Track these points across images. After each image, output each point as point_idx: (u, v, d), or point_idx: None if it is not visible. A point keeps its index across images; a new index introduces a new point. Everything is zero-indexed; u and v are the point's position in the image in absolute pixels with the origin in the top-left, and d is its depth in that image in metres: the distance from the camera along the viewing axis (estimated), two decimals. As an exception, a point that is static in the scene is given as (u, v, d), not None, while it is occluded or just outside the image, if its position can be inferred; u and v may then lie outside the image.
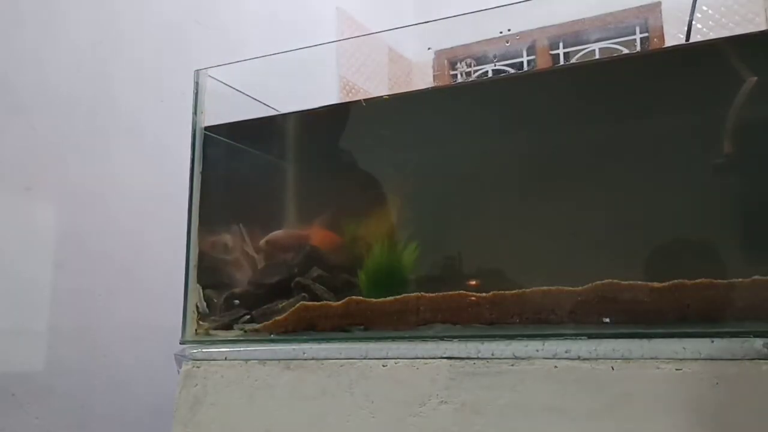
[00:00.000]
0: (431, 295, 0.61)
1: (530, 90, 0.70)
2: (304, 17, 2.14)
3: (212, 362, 0.65)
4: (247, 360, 0.63)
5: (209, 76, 0.79)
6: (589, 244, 0.63)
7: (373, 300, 0.63)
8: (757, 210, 0.57)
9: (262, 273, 0.74)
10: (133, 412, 1.05)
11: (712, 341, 0.48)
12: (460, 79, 2.00)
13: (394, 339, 0.59)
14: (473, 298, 0.60)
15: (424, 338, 0.59)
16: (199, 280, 0.73)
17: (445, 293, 0.61)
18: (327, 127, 0.80)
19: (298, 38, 1.75)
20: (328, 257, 0.71)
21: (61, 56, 1.02)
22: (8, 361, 0.90)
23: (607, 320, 0.56)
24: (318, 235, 0.59)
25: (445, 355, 0.55)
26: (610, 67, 0.73)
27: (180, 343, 0.70)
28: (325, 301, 0.65)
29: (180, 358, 0.67)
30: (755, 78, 0.57)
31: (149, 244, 1.11)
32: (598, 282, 0.57)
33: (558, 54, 2.00)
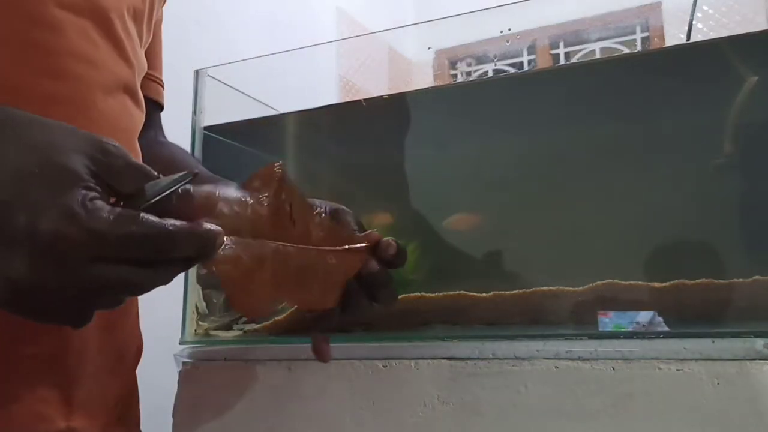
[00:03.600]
0: (432, 295, 0.61)
1: (530, 89, 0.70)
2: (304, 17, 2.14)
3: (212, 363, 0.65)
4: (246, 360, 0.63)
5: (209, 76, 0.79)
6: (590, 244, 0.62)
7: (374, 300, 0.63)
8: (757, 210, 0.57)
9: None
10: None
11: (713, 341, 0.48)
12: (460, 79, 2.00)
13: (394, 339, 0.59)
14: (473, 298, 0.60)
15: (424, 338, 0.59)
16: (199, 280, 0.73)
17: (445, 293, 0.61)
18: (326, 126, 0.80)
19: (298, 38, 1.75)
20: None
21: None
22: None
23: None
24: None
25: (445, 356, 0.55)
26: (611, 66, 0.73)
27: (180, 344, 0.69)
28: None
29: (180, 359, 0.67)
30: (756, 78, 0.57)
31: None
32: (599, 282, 0.57)
33: (558, 54, 2.00)
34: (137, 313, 0.57)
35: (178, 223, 0.34)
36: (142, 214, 0.33)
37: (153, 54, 0.62)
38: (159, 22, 0.63)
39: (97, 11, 0.49)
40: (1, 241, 0.31)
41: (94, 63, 0.48)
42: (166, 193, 0.36)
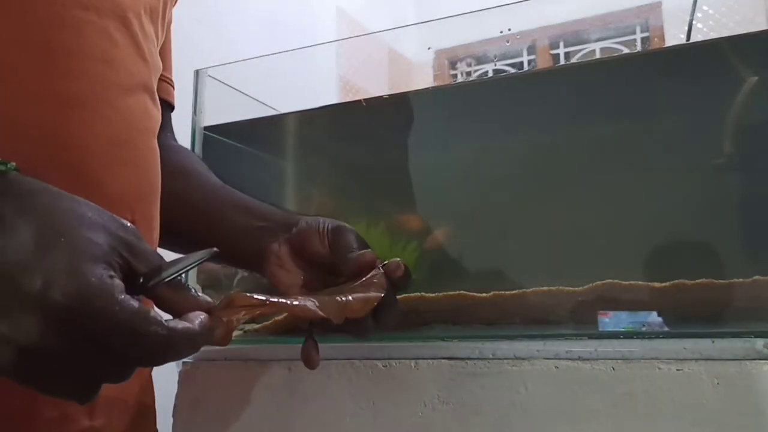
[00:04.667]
0: (432, 295, 0.61)
1: (530, 89, 0.70)
2: (305, 17, 2.14)
3: (212, 362, 0.65)
4: (246, 360, 0.63)
5: (209, 76, 0.79)
6: (590, 244, 0.62)
7: (373, 300, 0.63)
8: (757, 210, 0.57)
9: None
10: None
11: (713, 341, 0.48)
12: (460, 79, 2.00)
13: (394, 339, 0.59)
14: (474, 298, 0.60)
15: (424, 338, 0.59)
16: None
17: (445, 293, 0.61)
18: (326, 126, 0.80)
19: (298, 38, 1.75)
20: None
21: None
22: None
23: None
24: None
25: (445, 356, 0.55)
26: (611, 66, 0.73)
27: (180, 343, 0.69)
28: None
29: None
30: (756, 78, 0.57)
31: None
32: (599, 282, 0.57)
33: (558, 54, 2.00)
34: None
35: (180, 326, 0.33)
36: (151, 314, 0.32)
37: (164, 54, 0.62)
38: (169, 22, 0.63)
39: (116, 11, 0.49)
40: (14, 303, 0.31)
41: (112, 63, 0.48)
42: (183, 271, 0.36)
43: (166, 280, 0.35)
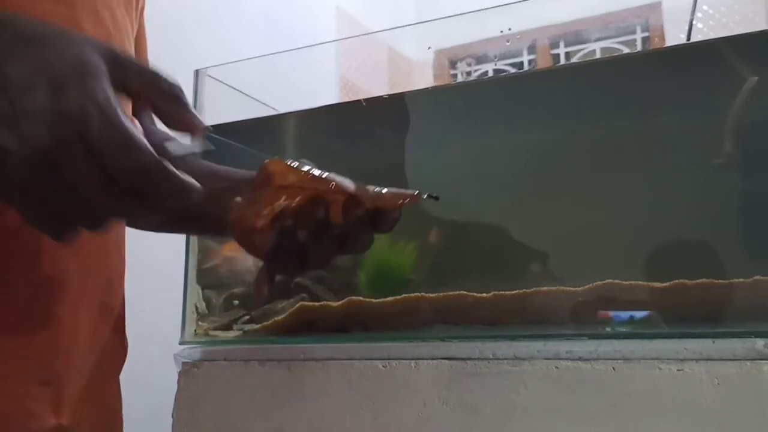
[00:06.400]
0: (432, 295, 0.61)
1: (530, 89, 0.70)
2: (304, 17, 2.14)
3: (212, 363, 0.65)
4: (246, 360, 0.63)
5: (209, 76, 0.79)
6: (590, 244, 0.62)
7: (374, 300, 0.63)
8: (757, 210, 0.57)
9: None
10: (132, 412, 1.05)
11: (713, 341, 0.48)
12: (460, 79, 2.00)
13: (394, 339, 0.59)
14: (474, 298, 0.60)
15: (424, 338, 0.59)
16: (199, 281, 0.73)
17: (445, 293, 0.61)
18: (326, 126, 0.80)
19: (297, 38, 1.74)
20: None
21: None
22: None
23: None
24: None
25: (445, 356, 0.55)
26: (611, 66, 0.73)
27: (179, 344, 0.69)
28: (325, 302, 0.65)
29: (180, 359, 0.67)
30: (756, 78, 0.57)
31: (149, 244, 1.11)
32: (599, 282, 0.57)
33: (558, 53, 2.00)
34: (122, 314, 0.58)
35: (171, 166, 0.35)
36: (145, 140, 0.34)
37: (138, 42, 0.62)
38: (142, 8, 0.63)
39: (87, 3, 0.49)
40: (20, 112, 0.32)
41: None
42: (186, 153, 0.36)
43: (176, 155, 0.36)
